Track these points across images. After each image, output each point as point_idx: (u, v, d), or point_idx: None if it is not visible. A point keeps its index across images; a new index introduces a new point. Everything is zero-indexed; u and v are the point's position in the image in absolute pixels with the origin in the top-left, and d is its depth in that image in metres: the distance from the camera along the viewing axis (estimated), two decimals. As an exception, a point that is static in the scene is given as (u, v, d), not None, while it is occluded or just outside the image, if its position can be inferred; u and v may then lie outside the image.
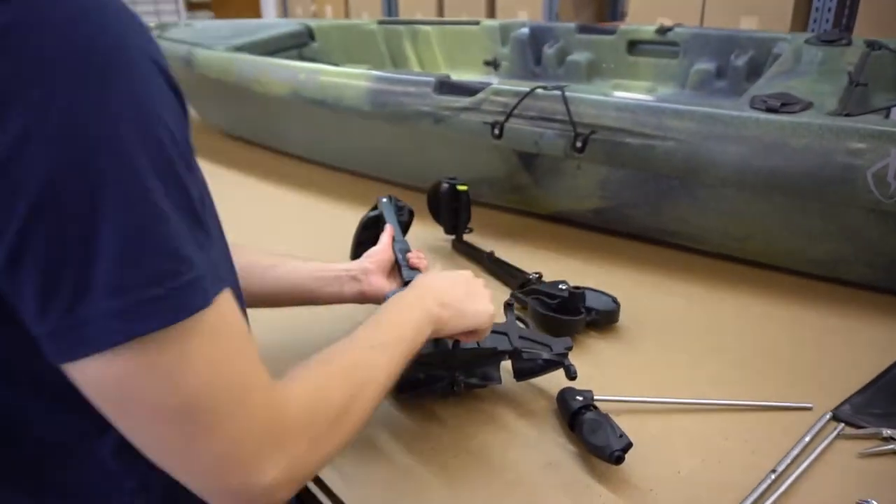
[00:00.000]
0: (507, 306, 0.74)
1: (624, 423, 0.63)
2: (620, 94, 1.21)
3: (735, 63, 1.31)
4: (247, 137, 1.61)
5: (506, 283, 0.90)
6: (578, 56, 1.48)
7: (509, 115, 1.04)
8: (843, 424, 0.63)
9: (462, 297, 0.61)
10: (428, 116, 1.13)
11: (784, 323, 0.82)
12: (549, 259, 1.00)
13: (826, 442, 0.61)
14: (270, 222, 1.19)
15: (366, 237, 0.92)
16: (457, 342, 0.64)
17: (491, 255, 0.95)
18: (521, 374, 0.68)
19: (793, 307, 0.86)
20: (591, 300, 0.83)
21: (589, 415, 0.60)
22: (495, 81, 1.16)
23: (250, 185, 1.36)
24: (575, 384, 0.67)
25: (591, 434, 0.59)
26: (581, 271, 0.96)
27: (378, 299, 0.70)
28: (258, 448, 0.38)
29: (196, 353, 0.35)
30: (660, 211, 0.96)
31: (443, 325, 0.59)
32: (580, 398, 0.63)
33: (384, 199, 0.95)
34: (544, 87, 1.02)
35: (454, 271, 0.66)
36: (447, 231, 0.96)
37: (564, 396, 0.64)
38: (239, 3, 4.08)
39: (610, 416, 0.61)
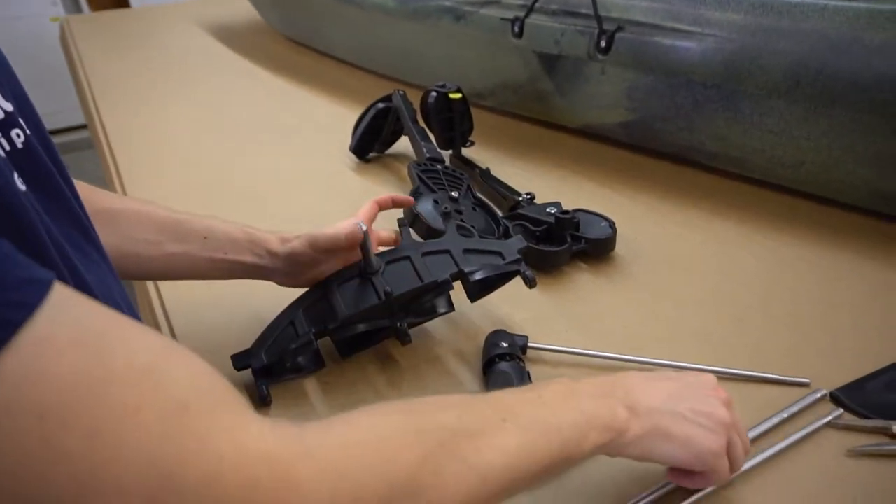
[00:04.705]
0: (445, 216, 0.67)
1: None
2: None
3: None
4: (299, 41, 1.55)
5: (497, 204, 0.79)
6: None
7: (530, 10, 0.89)
8: (840, 410, 0.49)
9: (672, 408, 0.40)
10: (449, 13, 1.00)
11: (820, 273, 0.65)
12: (562, 178, 0.87)
13: (811, 428, 0.47)
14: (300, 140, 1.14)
15: (375, 126, 0.93)
16: (388, 292, 0.51)
17: (486, 171, 0.84)
18: (473, 294, 0.57)
19: (842, 254, 0.68)
20: (584, 226, 0.70)
21: (502, 365, 0.51)
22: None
23: (291, 91, 1.31)
24: (527, 325, 0.58)
25: (495, 388, 0.49)
26: (591, 192, 0.83)
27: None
28: None
29: None
30: (694, 126, 0.79)
31: (627, 439, 0.38)
32: (504, 345, 0.53)
33: (400, 93, 0.91)
34: (571, -26, 0.85)
35: (687, 373, 0.43)
36: (441, 145, 0.85)
37: (489, 341, 0.55)
38: None
39: (530, 369, 0.51)
